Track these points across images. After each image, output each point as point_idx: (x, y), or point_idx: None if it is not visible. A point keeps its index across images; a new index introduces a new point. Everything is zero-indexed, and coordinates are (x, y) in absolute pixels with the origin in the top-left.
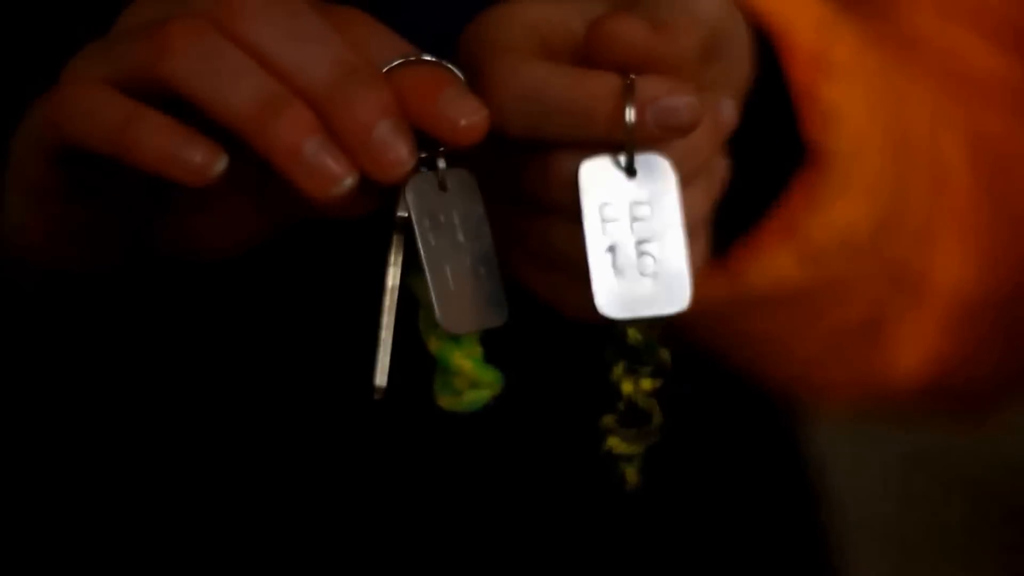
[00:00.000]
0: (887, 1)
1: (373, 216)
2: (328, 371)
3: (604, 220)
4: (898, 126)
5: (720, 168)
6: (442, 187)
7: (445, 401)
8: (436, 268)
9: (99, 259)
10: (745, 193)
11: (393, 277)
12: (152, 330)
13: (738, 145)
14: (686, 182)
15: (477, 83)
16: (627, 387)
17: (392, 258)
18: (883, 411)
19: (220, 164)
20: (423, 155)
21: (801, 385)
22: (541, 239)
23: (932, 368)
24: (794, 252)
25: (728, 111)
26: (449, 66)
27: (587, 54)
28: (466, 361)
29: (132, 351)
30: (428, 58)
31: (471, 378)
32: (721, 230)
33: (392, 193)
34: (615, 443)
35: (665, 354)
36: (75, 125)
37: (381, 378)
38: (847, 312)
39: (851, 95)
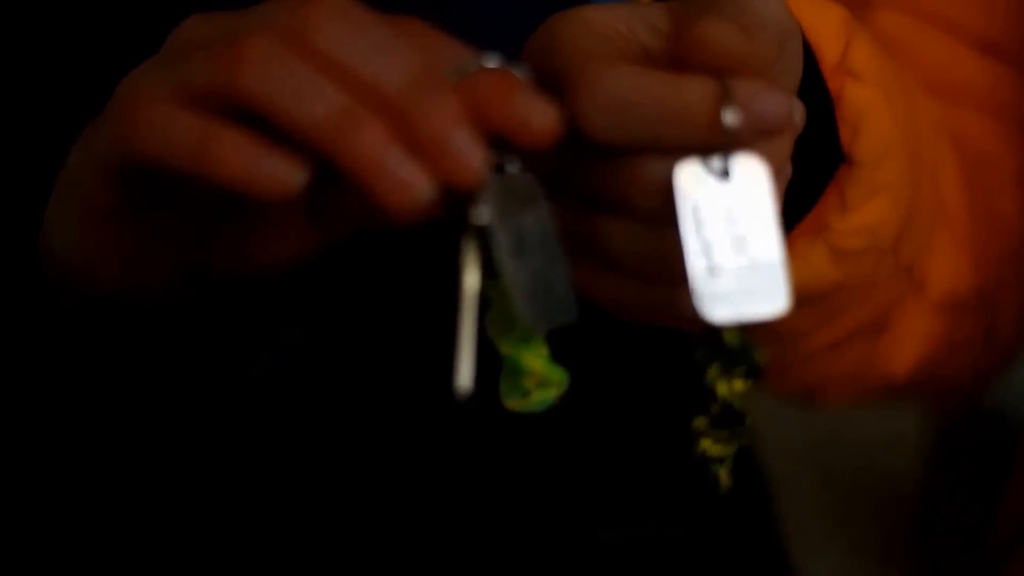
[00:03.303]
0: (860, 5)
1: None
2: (387, 376)
3: (699, 223)
4: (912, 130)
5: (788, 170)
6: (512, 191)
7: (513, 402)
8: (515, 269)
9: (146, 280)
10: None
11: (472, 280)
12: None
13: None
14: None
15: (560, 89)
16: (722, 389)
17: (469, 262)
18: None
19: (300, 178)
20: (496, 159)
21: (801, 382)
22: (619, 244)
23: (925, 361)
24: (827, 251)
25: (800, 113)
26: (514, 70)
27: (678, 58)
28: (537, 360)
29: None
30: (493, 64)
31: (541, 377)
32: None
33: (460, 198)
34: (708, 445)
35: (759, 355)
36: (151, 142)
37: (465, 380)
38: (863, 309)
39: (876, 99)
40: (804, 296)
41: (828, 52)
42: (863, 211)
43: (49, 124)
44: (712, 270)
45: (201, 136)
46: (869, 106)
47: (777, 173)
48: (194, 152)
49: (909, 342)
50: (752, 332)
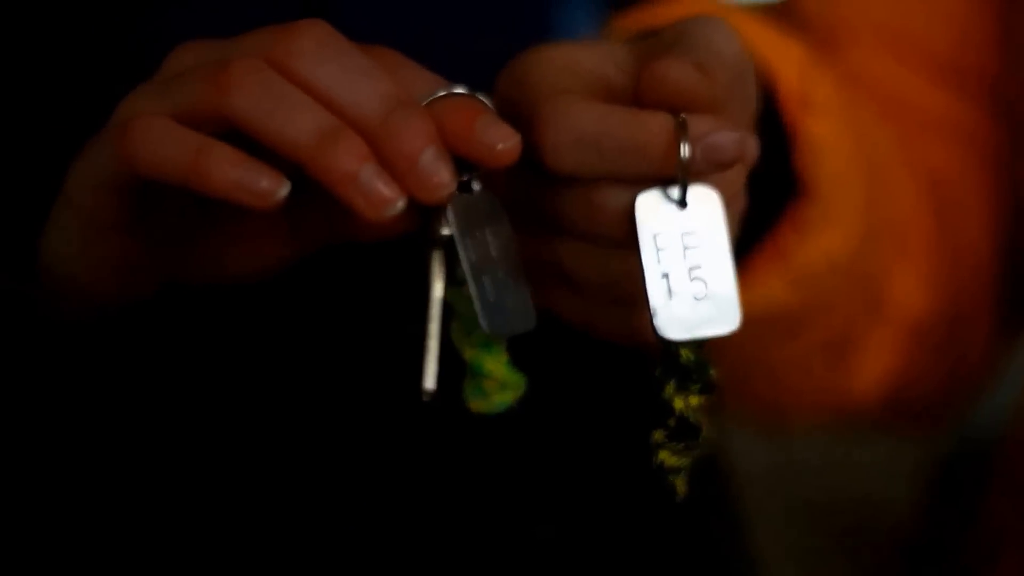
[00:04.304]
0: (829, 41)
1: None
2: (355, 381)
3: (658, 249)
4: (867, 159)
5: (742, 200)
6: (476, 207)
7: (476, 404)
8: (477, 279)
9: (136, 288)
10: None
11: (438, 289)
12: (183, 353)
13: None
14: None
15: (527, 123)
16: (679, 403)
17: (435, 272)
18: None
19: (284, 189)
20: (462, 178)
21: (766, 401)
22: (585, 270)
23: (889, 384)
24: (784, 277)
25: (753, 146)
26: (480, 97)
27: (637, 95)
28: (497, 365)
29: (163, 374)
30: (460, 90)
31: (501, 381)
32: None
33: (426, 212)
34: (665, 456)
35: (714, 372)
36: (148, 156)
37: (430, 382)
38: (820, 331)
39: (832, 130)
40: (761, 319)
41: (787, 86)
42: (819, 238)
43: (49, 143)
44: (669, 293)
45: (194, 151)
46: (826, 137)
47: (731, 202)
48: (187, 166)
49: (872, 365)
50: (709, 353)
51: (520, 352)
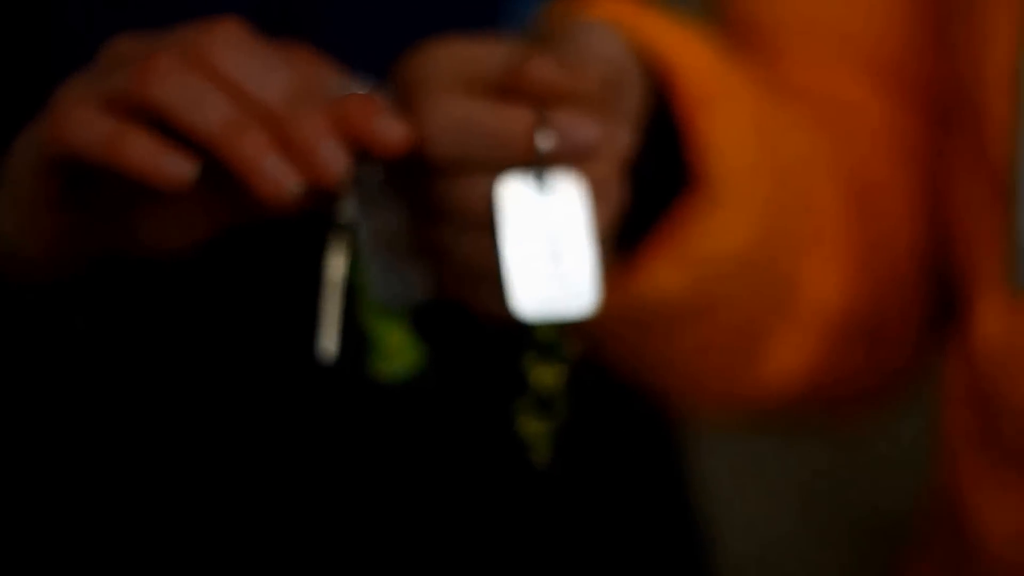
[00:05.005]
0: (771, 53)
1: (306, 215)
2: (271, 349)
3: (519, 233)
4: (776, 158)
5: (616, 191)
6: (373, 191)
7: (379, 372)
8: (373, 255)
9: (72, 263)
10: (643, 214)
11: (336, 263)
12: (114, 326)
13: (636, 168)
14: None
15: (410, 114)
16: (536, 376)
17: (334, 248)
18: (760, 425)
19: (193, 172)
20: (358, 166)
21: (676, 392)
22: (458, 251)
23: (806, 379)
24: (677, 268)
25: (623, 139)
26: (377, 93)
27: (506, 90)
28: (396, 335)
29: (97, 347)
30: (361, 87)
31: (399, 350)
32: (621, 247)
33: (327, 196)
34: (525, 423)
35: (570, 349)
36: (73, 139)
37: (329, 343)
38: (719, 323)
39: (732, 128)
40: (655, 310)
41: (685, 84)
42: (715, 231)
43: None
44: (526, 275)
45: (112, 135)
46: (723, 134)
47: (601, 191)
48: (106, 147)
49: (783, 359)
50: (566, 332)
51: (426, 324)
